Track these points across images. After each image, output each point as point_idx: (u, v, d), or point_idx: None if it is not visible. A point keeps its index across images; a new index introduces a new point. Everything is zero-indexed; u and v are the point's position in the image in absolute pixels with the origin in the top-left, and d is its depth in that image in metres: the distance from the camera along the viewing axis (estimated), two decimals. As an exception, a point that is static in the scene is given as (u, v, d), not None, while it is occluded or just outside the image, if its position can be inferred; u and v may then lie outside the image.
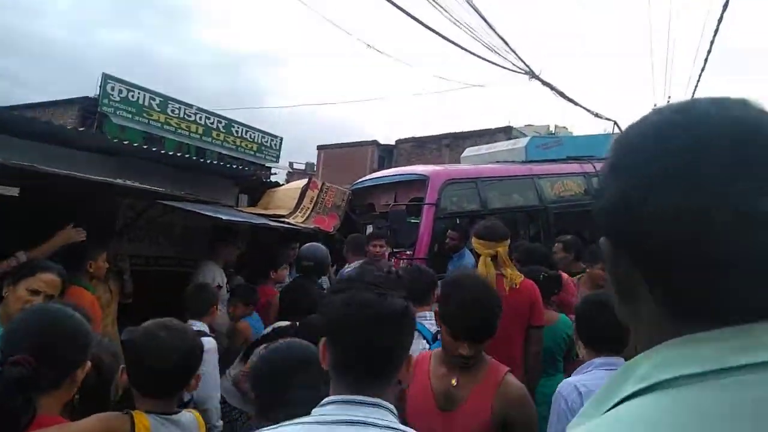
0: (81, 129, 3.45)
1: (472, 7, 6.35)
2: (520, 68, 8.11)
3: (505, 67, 7.71)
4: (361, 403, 1.06)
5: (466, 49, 6.95)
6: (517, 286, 3.15)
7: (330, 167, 27.23)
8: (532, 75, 8.35)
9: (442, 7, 6.29)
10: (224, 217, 3.92)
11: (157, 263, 4.68)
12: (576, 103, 10.26)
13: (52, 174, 2.85)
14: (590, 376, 1.98)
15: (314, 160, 29.69)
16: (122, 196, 4.26)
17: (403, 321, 1.15)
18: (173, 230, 4.78)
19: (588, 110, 10.71)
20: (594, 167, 7.02)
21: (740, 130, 0.50)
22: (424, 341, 2.86)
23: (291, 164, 29.04)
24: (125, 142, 3.90)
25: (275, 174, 13.50)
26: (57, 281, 2.26)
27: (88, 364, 1.40)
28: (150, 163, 4.45)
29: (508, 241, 3.33)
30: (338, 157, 26.80)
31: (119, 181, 3.29)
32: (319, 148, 28.27)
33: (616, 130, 13.06)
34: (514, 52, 7.64)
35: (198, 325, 3.09)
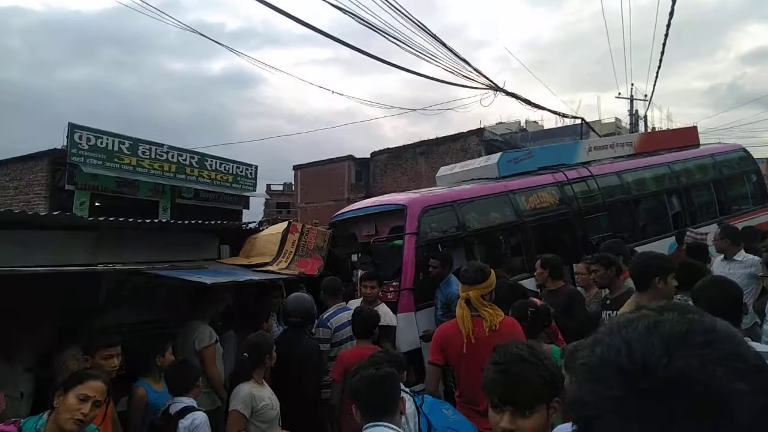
0: (55, 213, 3.45)
1: (432, 36, 6.46)
2: (484, 83, 8.26)
3: (469, 87, 7.86)
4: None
5: (432, 78, 7.06)
6: (497, 328, 3.21)
7: (308, 185, 27.25)
8: (496, 88, 8.52)
9: (400, 41, 6.39)
10: (209, 281, 3.93)
11: (140, 330, 4.65)
12: (542, 108, 10.49)
13: (30, 273, 2.83)
14: None
15: (291, 180, 29.68)
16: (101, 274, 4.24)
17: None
18: (156, 294, 4.76)
19: (554, 112, 10.93)
20: (565, 175, 7.17)
21: None
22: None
23: (268, 187, 28.94)
24: (101, 219, 3.89)
25: (258, 198, 13.39)
26: (104, 387, 2.35)
27: None
28: (126, 231, 4.44)
29: (487, 282, 3.36)
30: (315, 174, 26.83)
31: (99, 266, 3.29)
32: (296, 167, 28.26)
33: (584, 127, 13.36)
34: (477, 71, 7.80)
35: (186, 402, 3.12)
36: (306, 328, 4.35)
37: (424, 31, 6.45)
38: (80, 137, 11.87)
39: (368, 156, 25.76)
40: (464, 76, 7.63)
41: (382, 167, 24.83)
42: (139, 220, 4.24)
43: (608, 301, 4.28)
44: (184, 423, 2.94)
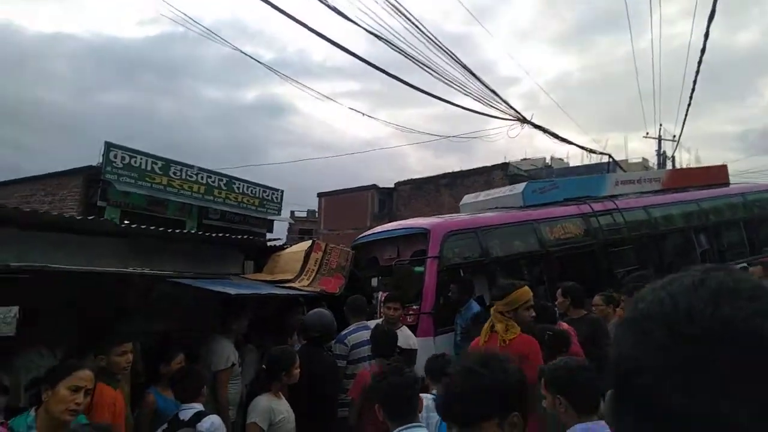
0: (90, 218, 3.57)
1: (460, 64, 6.60)
2: (511, 115, 8.36)
3: (496, 117, 7.95)
4: None
5: (459, 106, 7.17)
6: (506, 343, 3.27)
7: (331, 213, 27.46)
8: (523, 120, 8.58)
9: (433, 70, 6.54)
10: (233, 293, 4.00)
11: (165, 339, 4.72)
12: (569, 142, 10.50)
13: (65, 271, 2.93)
14: None
15: (315, 207, 29.95)
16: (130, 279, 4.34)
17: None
18: (183, 304, 4.84)
19: (581, 147, 10.92)
20: (591, 207, 7.13)
21: None
22: None
23: (292, 213, 29.22)
24: (133, 226, 4.02)
25: (280, 221, 13.56)
26: (91, 375, 2.39)
27: None
28: (158, 240, 4.56)
29: (507, 298, 3.44)
30: (339, 202, 27.05)
31: (131, 269, 3.38)
32: (320, 195, 28.56)
33: (611, 164, 13.30)
34: (504, 102, 7.89)
35: (196, 407, 3.15)
36: (325, 344, 4.35)
37: (455, 60, 6.60)
38: (115, 156, 12.25)
39: (392, 186, 25.93)
40: (492, 107, 7.74)
41: (406, 197, 24.93)
42: (168, 230, 4.35)
43: None
44: (203, 425, 2.96)
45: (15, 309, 5.99)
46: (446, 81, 6.83)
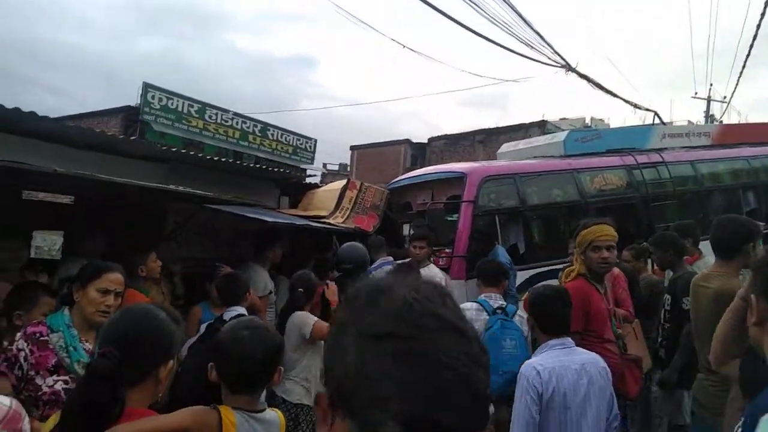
0: (132, 138, 3.59)
1: (507, 2, 6.30)
2: (556, 62, 8.01)
3: (541, 62, 7.63)
4: None
5: (502, 46, 6.91)
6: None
7: (363, 167, 27.38)
8: (568, 68, 8.23)
9: (476, 5, 6.26)
10: (269, 220, 4.02)
11: (204, 265, 4.83)
12: (615, 95, 10.06)
13: (108, 182, 2.97)
14: (545, 356, 2.39)
15: (347, 161, 29.91)
16: (170, 201, 4.41)
17: None
18: (220, 233, 4.92)
19: (627, 101, 10.48)
20: (635, 159, 6.87)
21: None
22: (485, 313, 3.54)
23: (325, 165, 29.24)
24: (173, 149, 4.04)
25: (312, 176, 13.67)
26: (121, 278, 2.37)
27: (170, 363, 1.48)
28: (195, 168, 4.60)
29: (576, 240, 3.28)
30: (371, 156, 26.92)
31: (172, 187, 3.42)
32: (353, 148, 28.45)
33: (657, 121, 12.76)
34: (550, 46, 7.56)
35: (239, 310, 3.19)
36: (358, 276, 4.37)
37: (501, -1, 6.28)
38: (153, 97, 12.37)
39: (425, 141, 25.61)
40: (538, 51, 7.41)
41: (439, 153, 24.61)
42: (208, 157, 4.37)
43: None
44: (230, 314, 3.04)
45: (60, 239, 6.24)
46: (488, 16, 6.53)
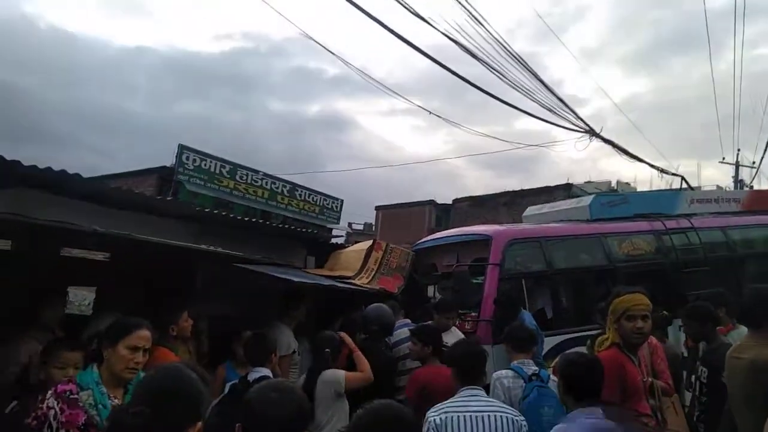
0: (168, 198, 3.74)
1: (529, 70, 6.52)
2: (580, 127, 8.14)
3: (565, 127, 7.76)
4: None
5: (526, 112, 7.08)
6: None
7: (388, 227, 27.54)
8: (593, 133, 8.34)
9: (498, 72, 6.49)
10: (296, 279, 4.07)
11: (228, 324, 4.86)
12: (640, 159, 10.08)
13: (144, 241, 3.08)
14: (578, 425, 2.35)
15: (372, 221, 30.18)
16: (200, 260, 4.51)
17: None
18: (246, 292, 4.97)
19: (652, 165, 10.46)
20: (663, 225, 6.80)
21: None
22: (521, 380, 3.50)
23: (350, 225, 29.52)
24: (206, 210, 4.18)
25: (339, 236, 13.82)
26: (150, 335, 2.41)
27: (200, 424, 1.49)
28: (225, 228, 4.73)
29: (609, 308, 3.17)
30: (396, 217, 27.13)
31: (204, 246, 3.52)
32: (377, 208, 28.77)
33: (684, 186, 12.67)
34: (573, 112, 7.71)
35: (263, 371, 3.17)
36: (384, 339, 4.34)
37: (524, 66, 6.51)
38: (187, 158, 12.85)
39: (450, 202, 25.79)
40: (560, 116, 7.57)
41: (463, 215, 24.68)
42: (238, 217, 4.50)
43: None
44: (253, 375, 3.03)
45: (92, 295, 6.38)
46: (513, 85, 6.74)
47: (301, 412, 1.66)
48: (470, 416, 2.68)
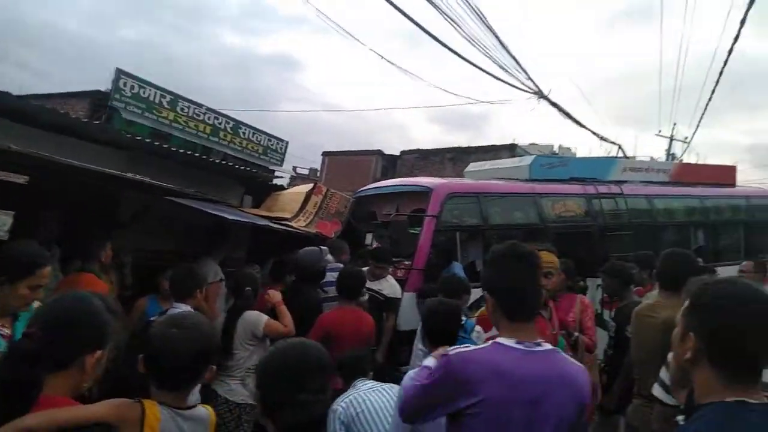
0: (96, 122, 3.52)
1: (486, 26, 6.46)
2: (529, 88, 8.23)
3: (515, 86, 7.82)
4: None
5: (479, 68, 7.05)
6: None
7: (333, 174, 27.30)
8: (540, 95, 8.46)
9: (456, 24, 6.39)
10: (229, 217, 3.98)
11: (156, 257, 4.73)
12: (582, 125, 10.39)
13: (67, 164, 2.90)
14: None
15: (318, 167, 29.78)
16: (128, 189, 4.32)
17: None
18: (175, 225, 4.83)
19: (594, 133, 10.81)
20: (596, 189, 7.09)
21: None
22: None
23: (294, 169, 29.03)
24: (138, 138, 3.97)
25: (280, 178, 13.58)
26: (50, 270, 2.26)
27: (99, 353, 1.44)
28: (158, 159, 4.52)
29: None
30: (342, 164, 26.87)
31: (130, 175, 3.35)
32: (324, 154, 28.36)
33: (620, 154, 13.20)
34: (525, 72, 7.76)
35: (183, 308, 3.04)
36: (314, 282, 4.34)
37: (480, 19, 6.44)
38: (125, 84, 12.08)
39: (397, 154, 25.76)
40: (512, 75, 7.61)
41: (409, 166, 24.79)
42: (173, 149, 4.31)
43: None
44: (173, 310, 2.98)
45: (10, 219, 6.01)
46: (467, 36, 6.67)
47: (202, 349, 1.63)
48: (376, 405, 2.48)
